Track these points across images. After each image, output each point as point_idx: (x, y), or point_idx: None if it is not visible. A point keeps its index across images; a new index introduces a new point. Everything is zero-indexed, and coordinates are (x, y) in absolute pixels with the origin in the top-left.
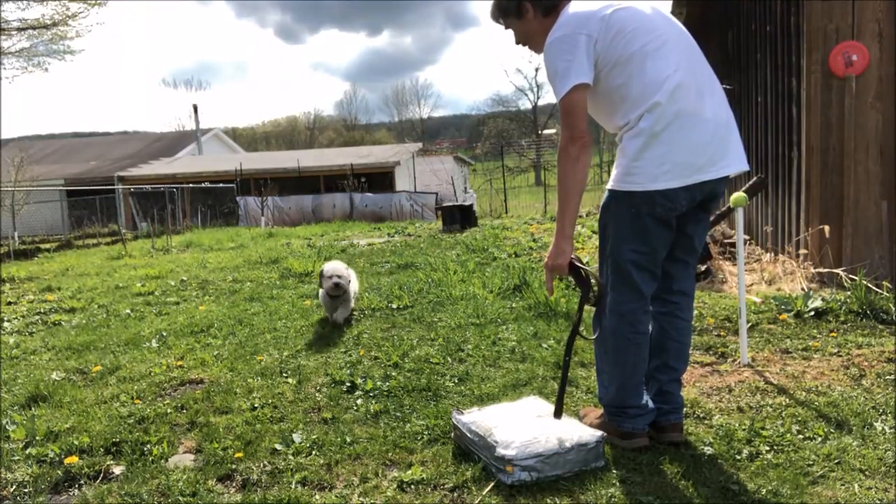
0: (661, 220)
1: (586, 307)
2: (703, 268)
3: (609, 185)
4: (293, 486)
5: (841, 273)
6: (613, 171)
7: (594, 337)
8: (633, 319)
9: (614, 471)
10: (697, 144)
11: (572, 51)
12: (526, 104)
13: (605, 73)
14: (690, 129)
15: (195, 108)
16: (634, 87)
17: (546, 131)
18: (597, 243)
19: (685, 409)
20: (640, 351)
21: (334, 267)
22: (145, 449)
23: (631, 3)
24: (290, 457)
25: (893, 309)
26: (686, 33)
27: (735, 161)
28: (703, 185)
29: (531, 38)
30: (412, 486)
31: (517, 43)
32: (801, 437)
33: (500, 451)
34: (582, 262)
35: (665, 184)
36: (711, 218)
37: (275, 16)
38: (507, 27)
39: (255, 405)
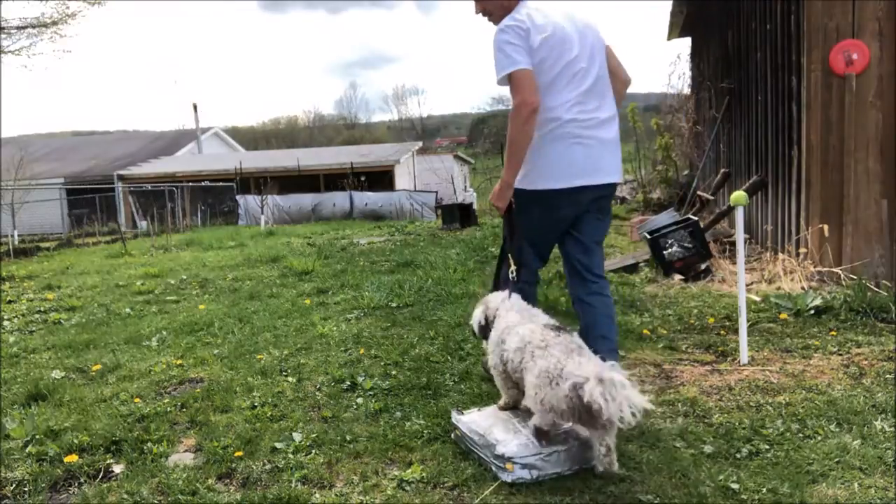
0: (560, 210)
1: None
2: (703, 266)
3: (518, 185)
4: (293, 485)
5: (841, 272)
6: (522, 169)
7: None
8: (530, 293)
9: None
10: (589, 157)
11: (520, 40)
12: None
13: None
14: (585, 143)
15: (195, 106)
16: (546, 104)
17: None
18: None
19: (685, 408)
20: None
21: None
22: (145, 447)
23: (566, 21)
24: (290, 455)
25: (893, 308)
26: (602, 55)
27: (614, 173)
28: (600, 186)
29: (492, 14)
30: (412, 485)
31: (477, 12)
32: (800, 435)
33: (501, 448)
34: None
35: (566, 182)
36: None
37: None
38: None
39: (255, 404)
